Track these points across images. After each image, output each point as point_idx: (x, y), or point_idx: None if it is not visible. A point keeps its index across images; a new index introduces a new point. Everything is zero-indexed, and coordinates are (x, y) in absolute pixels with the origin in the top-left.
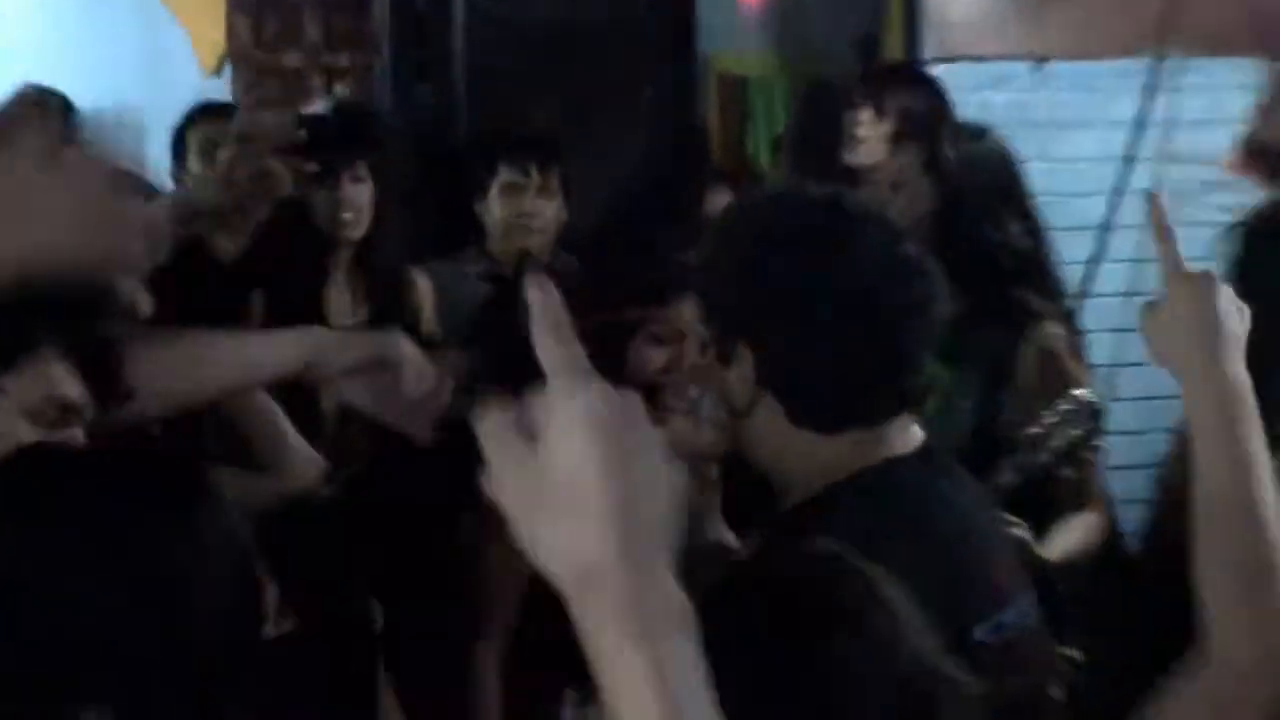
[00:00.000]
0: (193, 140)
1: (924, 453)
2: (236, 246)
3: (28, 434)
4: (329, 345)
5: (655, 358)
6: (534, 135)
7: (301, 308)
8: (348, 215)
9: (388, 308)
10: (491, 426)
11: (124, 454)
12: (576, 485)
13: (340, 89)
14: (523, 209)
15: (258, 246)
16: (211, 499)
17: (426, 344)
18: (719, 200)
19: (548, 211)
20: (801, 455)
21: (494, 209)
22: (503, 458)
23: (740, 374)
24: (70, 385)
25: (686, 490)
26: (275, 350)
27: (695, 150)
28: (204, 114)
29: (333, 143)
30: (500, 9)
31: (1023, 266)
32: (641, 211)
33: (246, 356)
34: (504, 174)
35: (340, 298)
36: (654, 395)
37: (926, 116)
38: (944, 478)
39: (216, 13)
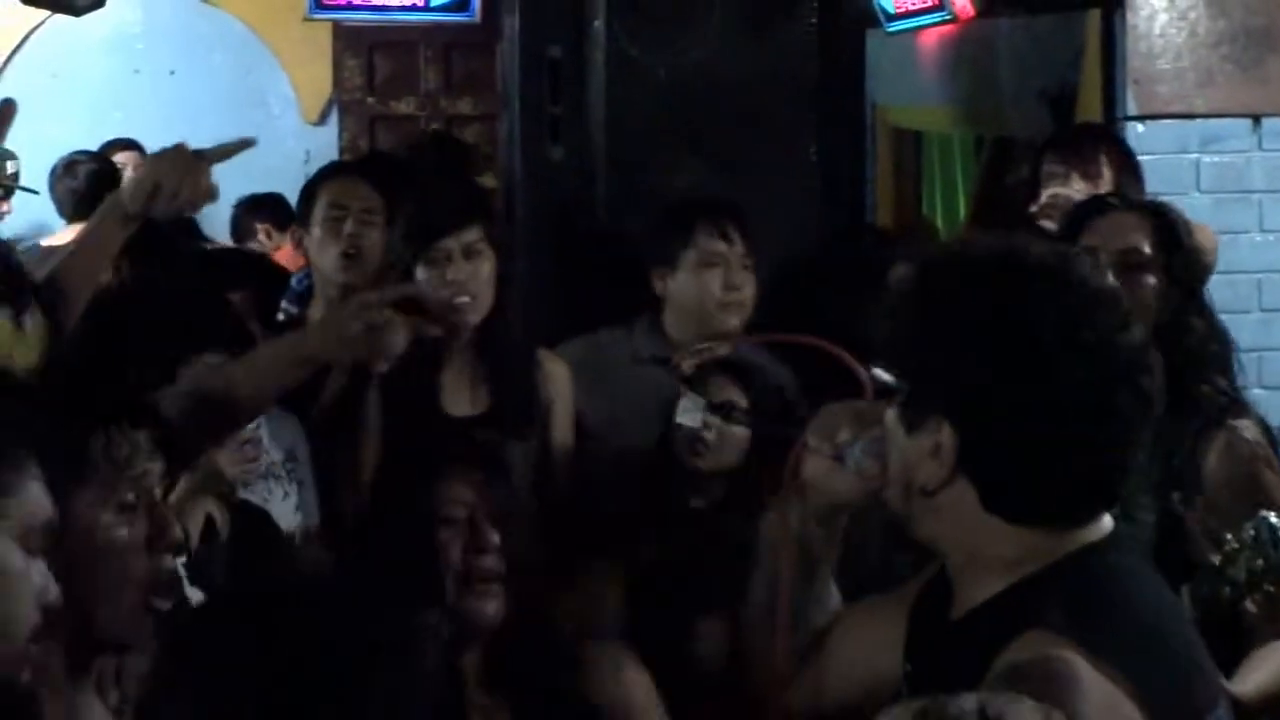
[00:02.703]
0: (319, 201)
1: (1115, 541)
2: None
3: (19, 562)
4: None
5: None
6: (724, 197)
7: (414, 397)
8: (463, 300)
9: (513, 397)
10: None
11: None
12: None
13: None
14: (730, 282)
15: None
16: None
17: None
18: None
19: (749, 286)
20: (991, 542)
21: (687, 283)
22: None
23: (937, 450)
24: (49, 510)
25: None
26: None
27: (864, 217)
28: (334, 174)
29: (438, 204)
30: (645, 56)
31: (1206, 356)
32: (804, 286)
33: None
34: (702, 241)
35: (458, 384)
36: None
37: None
38: (1139, 570)
39: (322, 55)
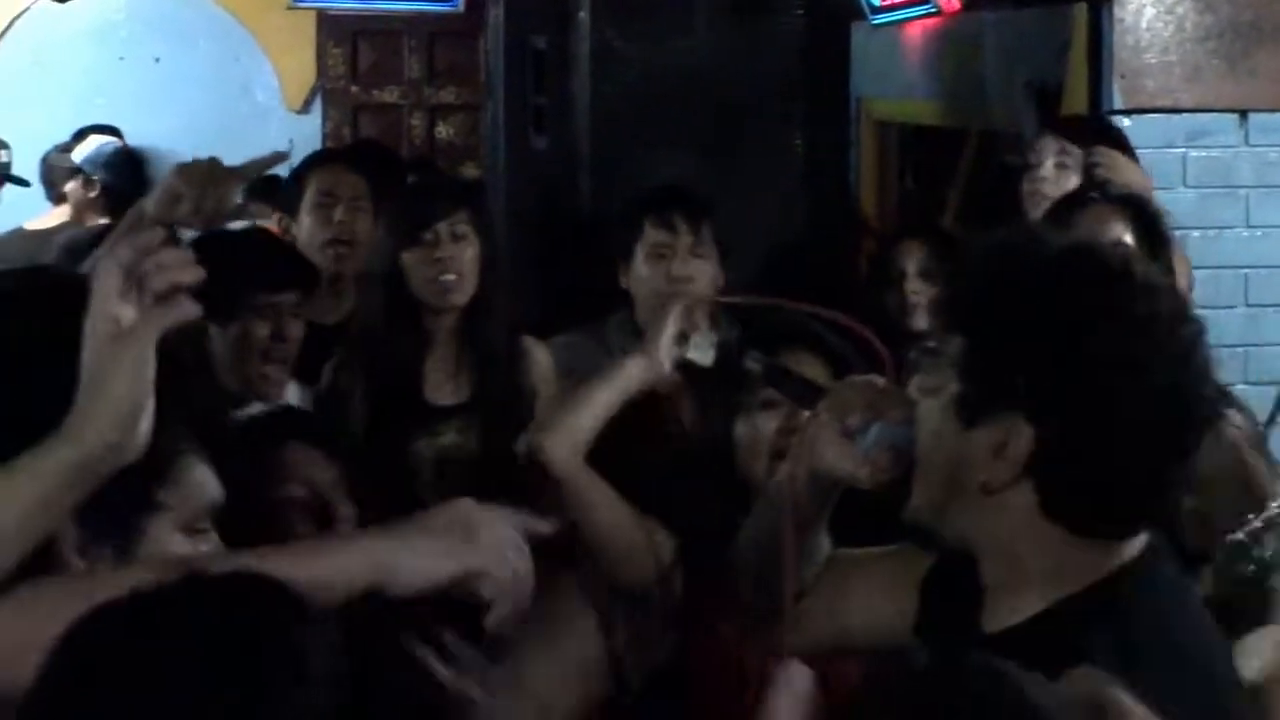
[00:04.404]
0: (309, 189)
1: (1153, 554)
2: (339, 310)
3: (181, 546)
4: (402, 563)
5: (767, 424)
6: (679, 188)
7: (397, 385)
8: (448, 278)
9: (494, 385)
10: None
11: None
12: None
13: (443, 130)
14: (673, 273)
15: (354, 314)
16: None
17: None
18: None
19: (702, 275)
20: (1035, 551)
21: (642, 275)
22: None
23: (1002, 448)
24: (216, 488)
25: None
26: (334, 573)
27: (847, 207)
28: (321, 162)
29: (429, 192)
30: (630, 47)
31: None
32: (789, 277)
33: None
34: (650, 233)
35: (440, 373)
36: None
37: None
38: (1178, 589)
39: (306, 43)
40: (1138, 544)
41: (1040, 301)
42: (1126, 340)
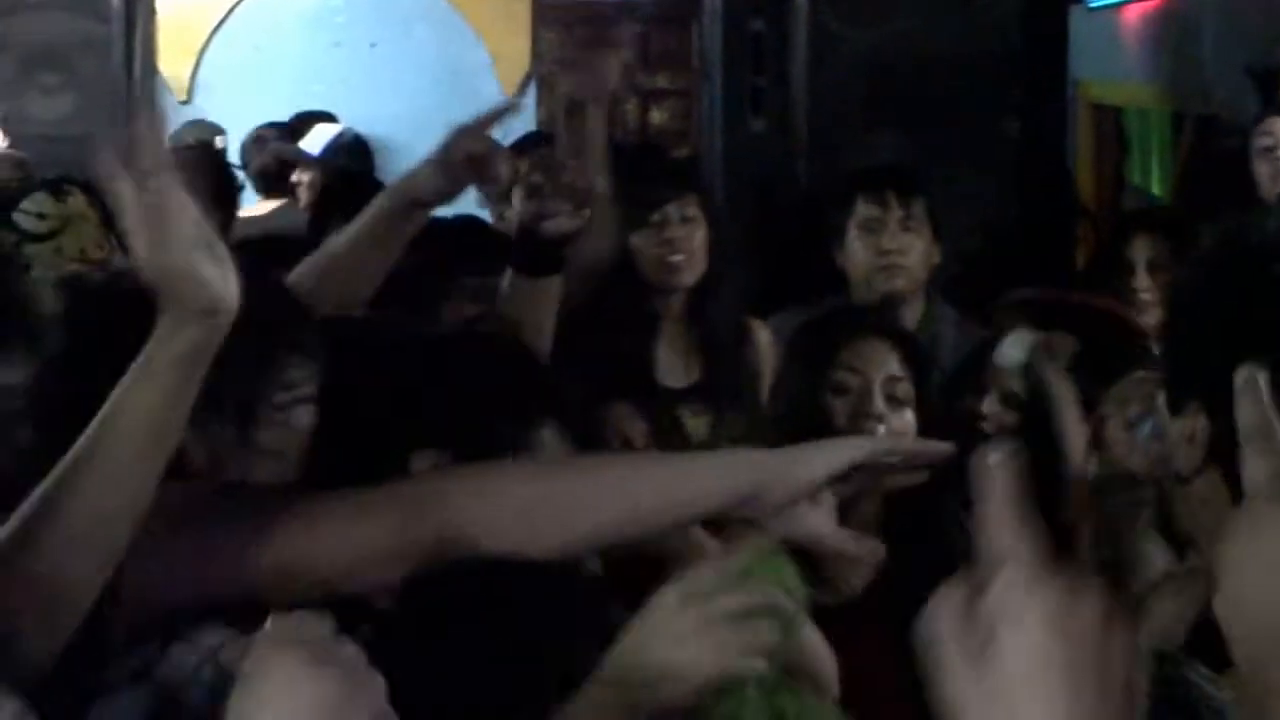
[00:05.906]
0: (519, 171)
1: None
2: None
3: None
4: (786, 470)
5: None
6: (892, 165)
7: (626, 367)
8: (677, 258)
9: (723, 367)
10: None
11: None
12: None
13: (657, 115)
14: (883, 246)
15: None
16: None
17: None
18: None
19: (913, 249)
20: None
21: (854, 251)
22: (951, 650)
23: (1193, 436)
24: None
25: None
26: (713, 482)
27: (1064, 191)
28: (533, 144)
29: (658, 176)
30: (849, 30)
31: None
32: (1004, 260)
33: (676, 492)
34: (861, 208)
35: (670, 354)
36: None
37: None
38: None
39: (521, 30)
40: None
41: (1216, 298)
42: None
